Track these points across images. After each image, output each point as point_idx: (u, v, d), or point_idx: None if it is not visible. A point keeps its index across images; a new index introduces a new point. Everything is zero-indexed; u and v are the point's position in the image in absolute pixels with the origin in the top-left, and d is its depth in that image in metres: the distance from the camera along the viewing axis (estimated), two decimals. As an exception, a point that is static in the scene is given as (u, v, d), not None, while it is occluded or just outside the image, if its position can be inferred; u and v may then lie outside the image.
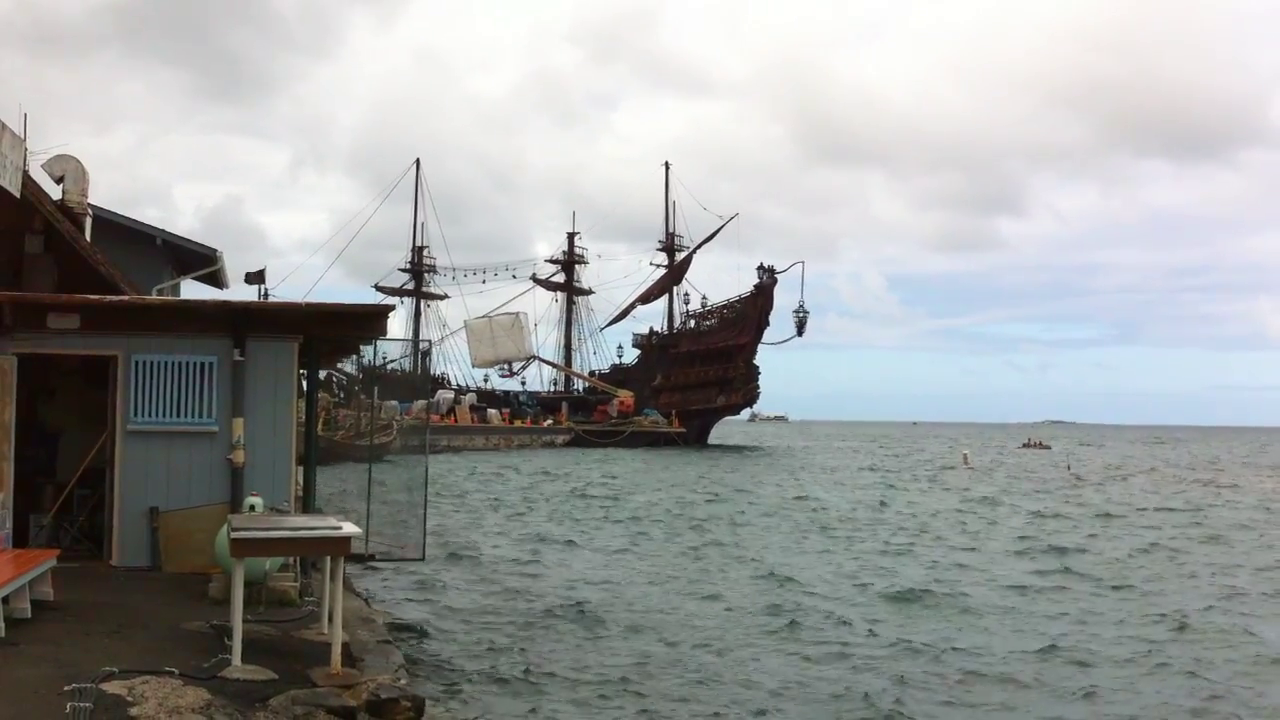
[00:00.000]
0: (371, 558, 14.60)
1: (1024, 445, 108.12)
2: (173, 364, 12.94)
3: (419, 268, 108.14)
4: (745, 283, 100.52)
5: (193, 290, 25.51)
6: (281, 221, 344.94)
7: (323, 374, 25.51)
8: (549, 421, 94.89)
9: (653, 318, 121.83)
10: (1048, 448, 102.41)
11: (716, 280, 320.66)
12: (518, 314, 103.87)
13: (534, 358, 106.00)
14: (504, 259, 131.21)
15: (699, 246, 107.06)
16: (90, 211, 18.78)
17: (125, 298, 14.40)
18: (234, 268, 26.24)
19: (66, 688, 7.22)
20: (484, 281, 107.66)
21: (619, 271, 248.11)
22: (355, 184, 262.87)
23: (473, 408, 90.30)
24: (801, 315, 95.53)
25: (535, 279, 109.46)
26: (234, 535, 8.86)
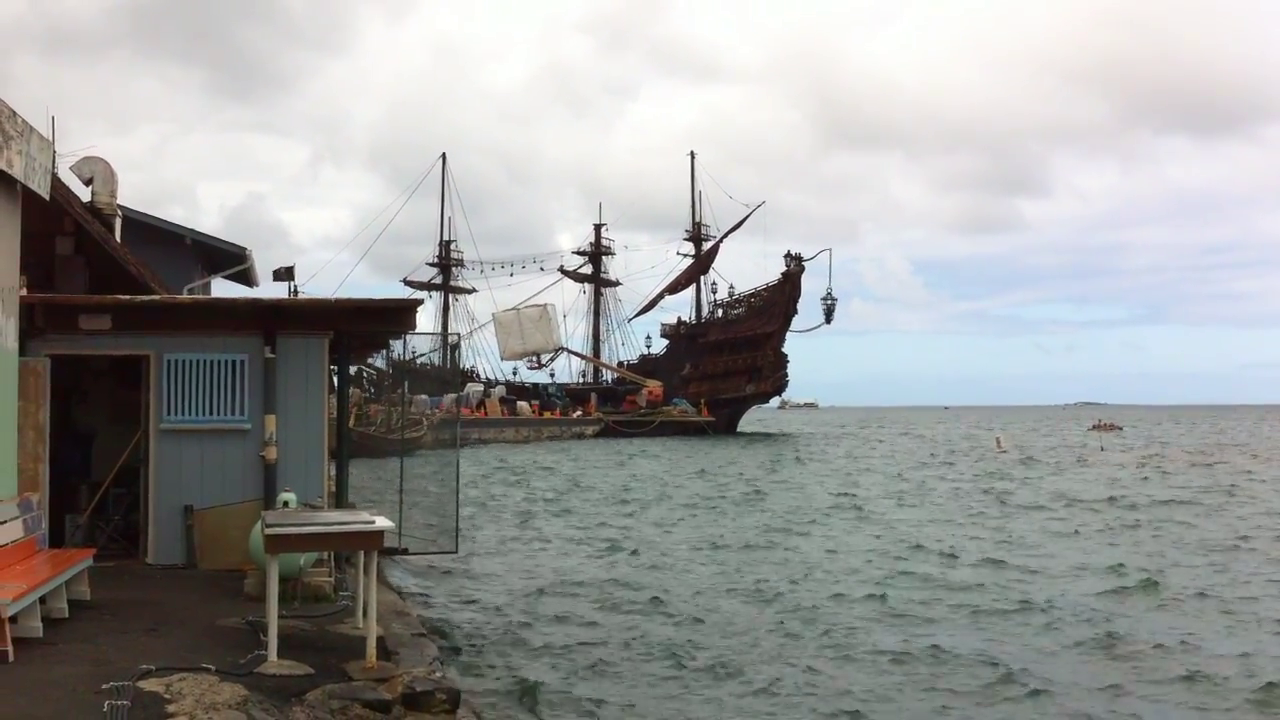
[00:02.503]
0: (405, 551, 14.64)
1: (1092, 428, 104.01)
2: (204, 362, 13.01)
3: (447, 262, 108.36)
4: (770, 270, 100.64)
5: (223, 289, 25.68)
6: (304, 218, 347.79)
7: (353, 369, 25.62)
8: (578, 413, 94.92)
9: (680, 307, 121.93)
10: (1119, 429, 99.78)
11: (740, 268, 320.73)
12: (546, 306, 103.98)
13: (562, 349, 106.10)
14: (524, 250, 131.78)
15: (726, 235, 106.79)
16: (120, 212, 18.93)
17: (156, 297, 14.47)
18: (259, 265, 26.40)
19: (104, 686, 7.27)
20: (511, 274, 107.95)
21: (645, 262, 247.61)
22: (374, 179, 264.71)
23: (502, 400, 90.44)
24: (830, 302, 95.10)
25: (563, 271, 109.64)
26: (268, 531, 8.88)
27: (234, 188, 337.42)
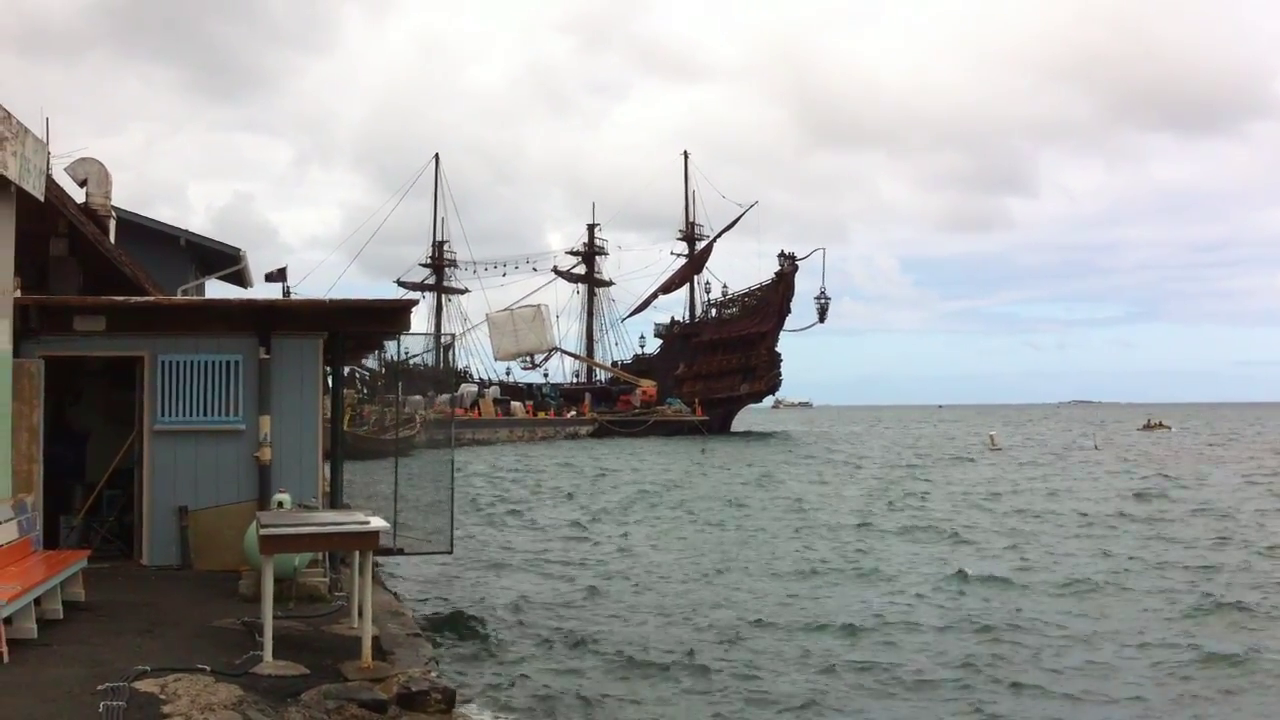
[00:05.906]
0: (400, 551, 14.62)
1: (1143, 427, 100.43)
2: (199, 363, 13.00)
3: (440, 262, 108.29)
4: (760, 269, 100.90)
5: (216, 289, 25.65)
6: (291, 218, 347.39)
7: (346, 370, 25.61)
8: (572, 413, 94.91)
9: (674, 307, 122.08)
10: (1168, 428, 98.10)
11: (730, 267, 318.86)
12: (539, 306, 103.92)
13: (556, 349, 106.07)
14: (512, 250, 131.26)
15: (719, 235, 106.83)
16: (114, 213, 18.91)
17: (150, 299, 14.47)
18: (250, 266, 26.31)
19: (100, 687, 7.28)
20: (504, 275, 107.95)
21: (638, 262, 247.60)
22: (361, 179, 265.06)
23: (496, 401, 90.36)
24: (823, 301, 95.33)
25: (557, 271, 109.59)
26: (263, 532, 8.89)
27: (221, 188, 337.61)
